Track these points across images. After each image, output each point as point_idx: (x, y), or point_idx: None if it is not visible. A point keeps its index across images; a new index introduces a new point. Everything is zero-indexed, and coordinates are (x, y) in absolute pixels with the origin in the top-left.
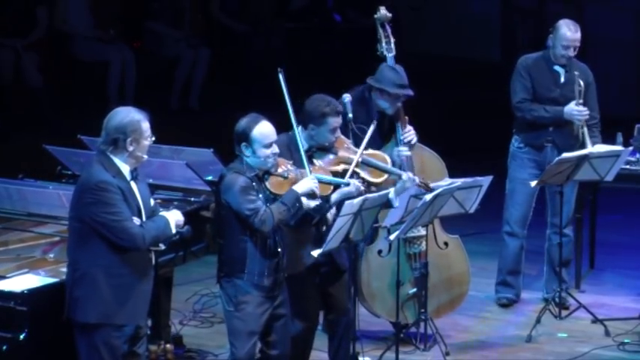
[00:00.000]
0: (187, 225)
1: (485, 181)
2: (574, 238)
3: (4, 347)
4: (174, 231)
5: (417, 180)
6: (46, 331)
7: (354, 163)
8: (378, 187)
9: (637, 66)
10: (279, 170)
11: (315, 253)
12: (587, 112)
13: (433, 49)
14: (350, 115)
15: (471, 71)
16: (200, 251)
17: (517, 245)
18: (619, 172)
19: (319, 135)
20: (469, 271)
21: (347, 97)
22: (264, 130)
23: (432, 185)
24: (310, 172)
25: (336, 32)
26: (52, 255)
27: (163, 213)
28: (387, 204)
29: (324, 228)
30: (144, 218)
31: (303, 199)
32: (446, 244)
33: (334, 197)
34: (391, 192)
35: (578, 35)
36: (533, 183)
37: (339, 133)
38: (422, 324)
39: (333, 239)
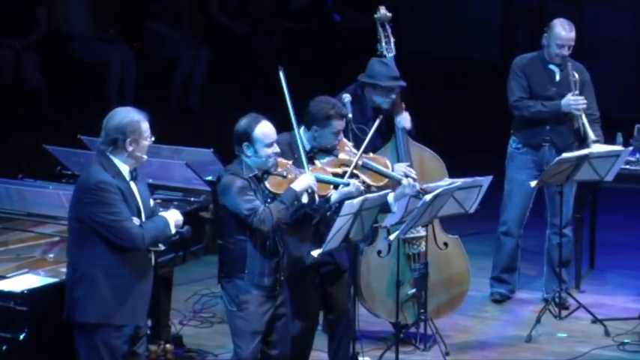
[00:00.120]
0: (187, 225)
1: (485, 181)
2: (573, 238)
3: (4, 347)
4: (173, 231)
5: (417, 187)
6: (45, 331)
7: (353, 164)
8: (379, 188)
9: (637, 66)
10: (279, 170)
11: (315, 253)
12: (585, 101)
13: (433, 49)
14: (350, 116)
15: (470, 71)
16: (200, 251)
17: (513, 244)
18: (619, 172)
19: (322, 137)
20: (469, 271)
21: (347, 97)
22: (265, 129)
23: (431, 185)
24: (309, 170)
25: (336, 32)
26: (51, 255)
27: (162, 213)
28: (385, 208)
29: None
30: (143, 218)
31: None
32: (445, 244)
33: (334, 197)
34: (390, 196)
35: (572, 34)
36: (533, 183)
37: (341, 136)
38: (422, 324)
39: (333, 239)
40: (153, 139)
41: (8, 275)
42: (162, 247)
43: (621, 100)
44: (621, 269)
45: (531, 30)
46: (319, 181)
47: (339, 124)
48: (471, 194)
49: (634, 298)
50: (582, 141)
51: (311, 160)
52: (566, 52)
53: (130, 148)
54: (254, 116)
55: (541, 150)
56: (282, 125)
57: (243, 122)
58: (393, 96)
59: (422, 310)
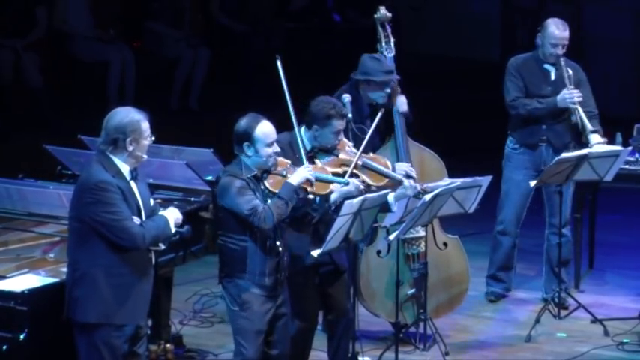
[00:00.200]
0: (187, 225)
1: (485, 181)
2: (572, 238)
3: (5, 347)
4: (173, 230)
5: (419, 188)
6: (46, 330)
7: (353, 164)
8: (379, 188)
9: (636, 66)
10: (278, 169)
11: (315, 253)
12: (580, 94)
13: (433, 49)
14: (350, 116)
15: (470, 71)
16: (199, 251)
17: (510, 243)
18: (618, 172)
19: (323, 136)
20: (468, 271)
21: (347, 98)
22: (265, 129)
23: (431, 185)
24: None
25: (336, 32)
26: (52, 255)
27: (162, 212)
28: (385, 208)
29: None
30: (144, 218)
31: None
32: (445, 244)
33: (334, 196)
34: (391, 196)
35: (566, 34)
36: (533, 183)
37: (342, 135)
38: (421, 324)
39: (333, 239)
40: (153, 138)
41: (9, 275)
42: (162, 246)
43: (620, 100)
44: (620, 269)
45: (531, 30)
46: (319, 180)
47: (340, 124)
48: (470, 194)
49: (633, 297)
50: (579, 139)
51: (311, 160)
52: (560, 51)
53: (131, 148)
54: (254, 116)
55: (538, 150)
56: (282, 125)
57: (243, 122)
58: (388, 90)
59: (421, 310)
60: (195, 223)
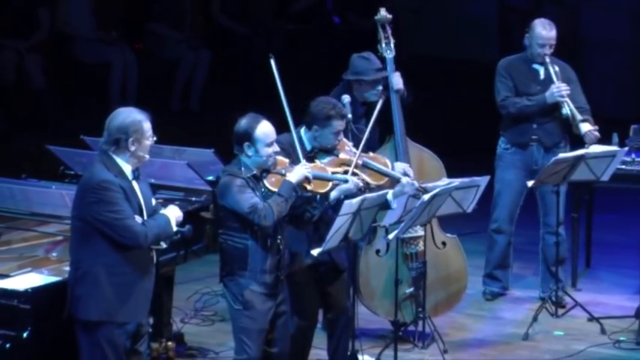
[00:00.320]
0: (188, 224)
1: (483, 181)
2: (567, 237)
3: (8, 345)
4: (175, 229)
5: (417, 184)
6: (49, 329)
7: (354, 163)
8: (379, 187)
9: (633, 67)
10: (277, 168)
11: (315, 252)
12: (567, 87)
13: (432, 50)
14: (349, 116)
15: (469, 72)
16: (201, 250)
17: (505, 242)
18: (615, 172)
19: (323, 137)
20: (467, 270)
21: (346, 98)
22: (266, 129)
23: (430, 185)
24: (303, 160)
25: (336, 34)
26: (55, 254)
27: (163, 211)
28: (384, 206)
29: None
30: (145, 217)
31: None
32: (444, 243)
33: (333, 194)
34: (390, 194)
35: (553, 34)
36: (530, 183)
37: (342, 136)
38: (420, 322)
39: (333, 238)
40: (155, 138)
41: (12, 274)
42: (164, 245)
43: (618, 100)
44: (617, 268)
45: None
46: (318, 178)
47: (340, 125)
48: (468, 194)
49: (629, 296)
50: (570, 137)
51: (312, 160)
52: (547, 50)
53: (133, 148)
54: (254, 116)
55: (529, 149)
56: (282, 125)
57: (243, 122)
58: (380, 87)
59: (420, 309)
60: (196, 222)
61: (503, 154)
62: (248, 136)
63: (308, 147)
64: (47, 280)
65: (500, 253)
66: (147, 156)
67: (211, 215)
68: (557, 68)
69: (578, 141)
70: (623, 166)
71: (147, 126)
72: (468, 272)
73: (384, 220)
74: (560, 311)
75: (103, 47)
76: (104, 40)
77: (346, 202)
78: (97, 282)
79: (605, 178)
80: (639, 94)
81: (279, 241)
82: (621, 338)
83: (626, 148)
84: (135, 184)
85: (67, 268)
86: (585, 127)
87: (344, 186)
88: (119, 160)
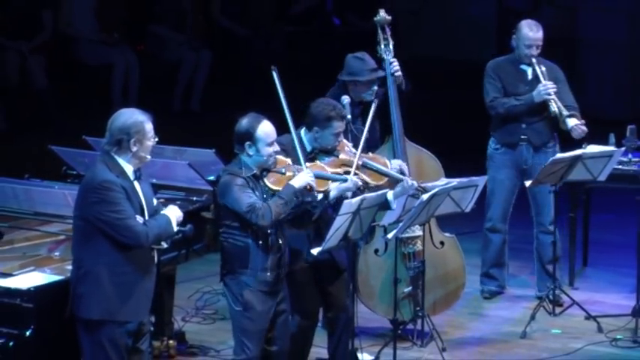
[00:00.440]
0: (190, 224)
1: (481, 180)
2: (564, 237)
3: (11, 343)
4: (175, 229)
5: (416, 185)
6: (51, 327)
7: (354, 164)
8: (379, 187)
9: (630, 68)
10: (277, 167)
11: (315, 251)
12: (554, 85)
13: (431, 51)
14: (349, 117)
15: (467, 73)
16: (201, 250)
17: (500, 240)
18: (611, 172)
19: (323, 138)
20: (464, 269)
21: (346, 99)
22: (267, 129)
23: (429, 185)
24: (305, 165)
25: (336, 35)
26: (57, 253)
27: (164, 211)
28: (385, 206)
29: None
30: (147, 217)
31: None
32: (442, 243)
33: (333, 193)
34: (390, 194)
35: (539, 34)
36: (528, 183)
37: (342, 137)
38: (419, 321)
39: (332, 238)
40: (156, 139)
41: (15, 273)
42: (165, 244)
43: (615, 101)
44: (614, 267)
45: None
46: (318, 177)
47: (340, 126)
48: (467, 194)
49: (626, 295)
50: (559, 136)
51: (312, 161)
52: (534, 51)
53: (134, 149)
54: (255, 116)
55: (518, 149)
56: (282, 126)
57: (244, 122)
58: (375, 87)
59: (417, 308)
60: (196, 222)
61: (493, 155)
62: (249, 136)
63: (308, 148)
64: (50, 279)
65: (495, 252)
66: (148, 156)
67: (212, 215)
68: (543, 68)
69: (568, 140)
70: (620, 167)
71: (148, 127)
72: (466, 271)
73: (383, 219)
74: (558, 310)
75: (105, 49)
76: (106, 42)
77: (346, 201)
78: (98, 281)
79: (602, 178)
80: (636, 94)
81: (279, 239)
82: (618, 336)
83: (623, 149)
84: (136, 184)
85: (70, 267)
86: (572, 122)
87: (343, 185)
88: (121, 161)
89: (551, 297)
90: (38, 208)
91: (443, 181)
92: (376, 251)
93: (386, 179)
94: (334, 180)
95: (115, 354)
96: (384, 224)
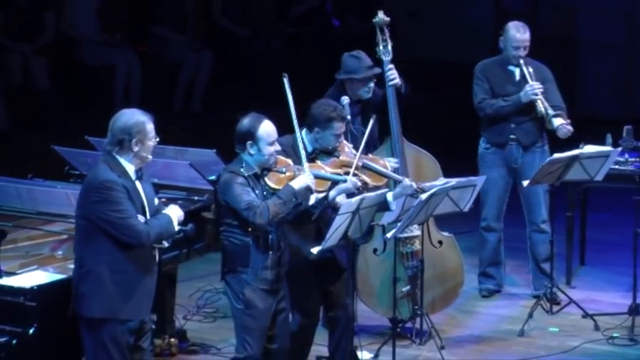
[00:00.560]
0: (191, 223)
1: (479, 180)
2: (560, 236)
3: (14, 341)
4: (177, 228)
5: (415, 186)
6: (54, 325)
7: (354, 165)
8: (378, 188)
9: (628, 68)
10: (278, 167)
11: (315, 250)
12: (540, 86)
13: (429, 52)
14: (349, 117)
15: (465, 74)
16: (202, 249)
17: (495, 239)
18: (608, 172)
19: (324, 138)
20: (463, 268)
21: (345, 100)
22: (268, 128)
23: (427, 185)
24: (307, 168)
25: (335, 36)
26: (60, 252)
27: (165, 210)
28: (384, 207)
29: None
30: (148, 216)
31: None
32: (440, 242)
33: (332, 193)
34: (389, 195)
35: (526, 36)
36: (526, 183)
37: (342, 138)
38: (418, 319)
39: (332, 237)
40: (158, 139)
41: (18, 272)
42: (166, 244)
43: (612, 101)
44: (611, 266)
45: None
46: (318, 177)
47: (340, 127)
48: (465, 193)
49: (623, 293)
50: (548, 136)
51: (313, 161)
52: (522, 53)
53: (136, 149)
54: (256, 116)
55: (507, 148)
56: (282, 126)
57: (246, 122)
58: (372, 85)
59: (415, 307)
60: (197, 221)
61: (484, 154)
62: (251, 135)
63: (309, 149)
64: (52, 277)
65: (491, 251)
66: (150, 156)
67: (213, 215)
68: (531, 69)
69: (560, 140)
70: (617, 167)
71: (150, 127)
72: (464, 269)
73: (382, 219)
74: (555, 308)
75: (107, 50)
76: (108, 43)
77: (345, 201)
78: (100, 280)
79: (599, 178)
80: (634, 95)
81: (279, 238)
82: (615, 334)
83: (620, 149)
84: (138, 184)
85: (72, 266)
86: (557, 122)
87: (343, 185)
88: (122, 161)
89: (548, 295)
90: (41, 207)
91: (442, 181)
92: (375, 251)
93: (385, 180)
94: (334, 180)
95: (117, 352)
96: (383, 224)
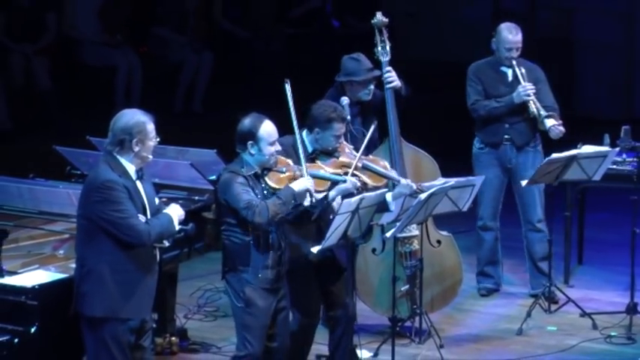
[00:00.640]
0: (191, 223)
1: (478, 180)
2: (558, 235)
3: (16, 340)
4: (177, 228)
5: (414, 186)
6: (55, 324)
7: (354, 165)
8: (377, 188)
9: (626, 69)
10: (278, 166)
11: (315, 249)
12: (533, 87)
13: (428, 53)
14: (348, 118)
15: (463, 75)
16: (203, 248)
17: (492, 238)
18: (606, 172)
19: (324, 139)
20: (461, 267)
21: (345, 100)
22: (269, 128)
23: (426, 185)
24: (307, 169)
25: (335, 37)
26: (61, 251)
27: (166, 210)
28: (383, 207)
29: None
30: (149, 216)
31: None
32: (439, 242)
33: (332, 194)
34: (389, 195)
35: (518, 37)
36: (524, 183)
37: (342, 139)
38: (417, 318)
39: (332, 236)
40: (158, 139)
41: (20, 271)
42: (166, 243)
43: (610, 102)
44: (608, 265)
45: (522, 35)
46: (317, 177)
47: (341, 128)
48: (464, 193)
49: (621, 292)
50: (542, 136)
51: (313, 161)
52: (514, 54)
53: (137, 149)
54: (257, 116)
55: (501, 148)
56: (282, 126)
57: (247, 122)
58: (371, 87)
59: (414, 306)
60: (198, 221)
61: (479, 154)
62: (252, 135)
63: (309, 149)
64: (54, 277)
65: (489, 250)
66: (150, 156)
67: (213, 215)
68: (523, 70)
69: (554, 141)
70: (615, 166)
71: (150, 127)
72: (462, 268)
73: (381, 218)
74: (553, 307)
75: (108, 50)
76: (109, 44)
77: (345, 201)
78: (101, 279)
79: (597, 177)
80: (632, 95)
81: (280, 237)
82: (612, 333)
83: (617, 149)
84: (139, 183)
85: (74, 266)
86: (550, 123)
87: (342, 185)
88: (123, 161)
89: (546, 294)
90: (43, 207)
91: (440, 181)
92: (373, 250)
93: (385, 181)
94: (333, 180)
95: (118, 351)
96: (383, 223)
